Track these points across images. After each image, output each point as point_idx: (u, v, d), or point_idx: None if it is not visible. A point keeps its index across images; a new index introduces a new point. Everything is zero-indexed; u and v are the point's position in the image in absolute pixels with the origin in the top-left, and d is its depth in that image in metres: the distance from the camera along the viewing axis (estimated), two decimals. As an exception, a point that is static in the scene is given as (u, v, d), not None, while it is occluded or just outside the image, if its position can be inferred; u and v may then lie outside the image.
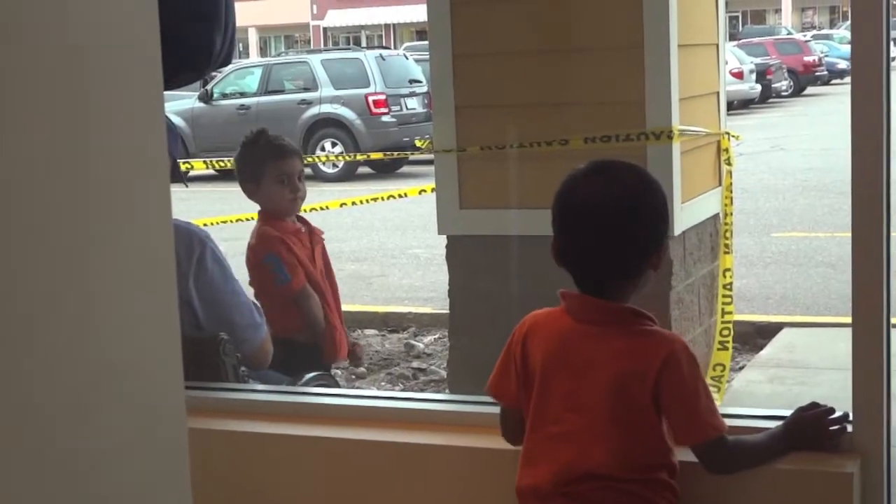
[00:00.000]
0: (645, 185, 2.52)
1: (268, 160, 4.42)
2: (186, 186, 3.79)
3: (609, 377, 2.41)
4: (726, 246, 5.61)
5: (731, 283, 5.60)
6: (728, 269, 5.59)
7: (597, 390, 2.42)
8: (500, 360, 2.60)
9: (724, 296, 5.57)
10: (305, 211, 8.37)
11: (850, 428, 2.50)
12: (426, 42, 5.62)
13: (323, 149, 17.96)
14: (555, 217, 2.53)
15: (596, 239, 2.48)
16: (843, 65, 32.29)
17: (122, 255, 1.25)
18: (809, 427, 2.51)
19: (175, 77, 2.46)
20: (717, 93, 5.74)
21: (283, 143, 4.54)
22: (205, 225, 4.40)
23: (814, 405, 2.54)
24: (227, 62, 2.61)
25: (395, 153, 13.63)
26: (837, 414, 2.52)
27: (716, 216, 5.73)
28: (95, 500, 1.23)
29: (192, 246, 3.46)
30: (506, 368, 2.58)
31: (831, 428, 2.50)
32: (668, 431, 2.44)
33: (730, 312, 5.56)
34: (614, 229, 2.47)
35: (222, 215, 8.69)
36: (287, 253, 4.42)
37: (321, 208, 7.96)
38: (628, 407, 2.41)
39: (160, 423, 1.28)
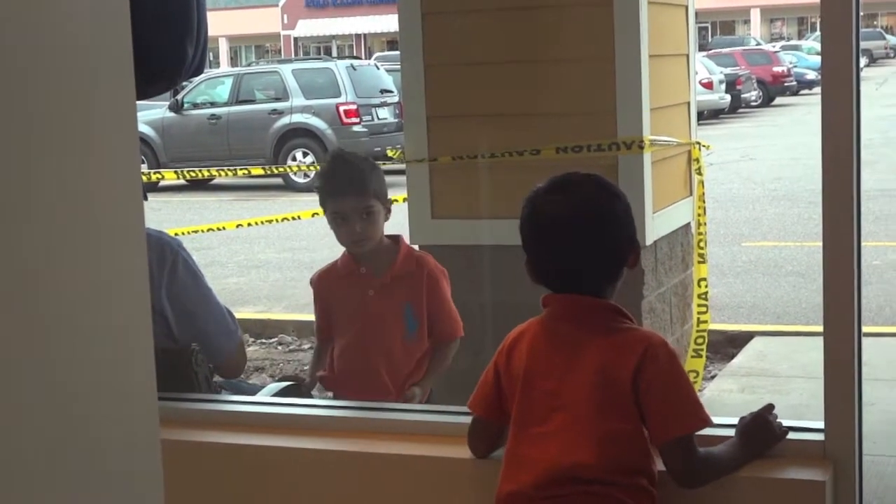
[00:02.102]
0: (607, 193, 2.55)
1: (327, 196, 3.83)
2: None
3: (590, 376, 2.43)
4: (700, 255, 5.63)
5: (706, 293, 5.62)
6: (703, 279, 5.62)
7: (579, 389, 2.43)
8: (483, 375, 2.62)
9: (699, 305, 5.60)
10: (277, 220, 8.39)
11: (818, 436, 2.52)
12: (397, 52, 5.62)
13: (294, 158, 17.94)
14: (525, 238, 2.56)
15: (571, 254, 2.51)
16: (812, 75, 32.53)
17: (95, 265, 1.24)
18: (757, 427, 2.54)
19: (147, 87, 2.45)
20: (688, 103, 5.76)
21: (337, 178, 3.86)
22: (176, 234, 4.30)
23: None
24: (199, 72, 2.60)
25: (367, 163, 13.58)
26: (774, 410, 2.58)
27: (687, 226, 5.76)
28: (68, 513, 1.22)
29: (164, 255, 3.43)
30: (487, 379, 2.60)
31: (777, 421, 2.55)
32: (648, 436, 2.46)
33: (705, 322, 5.59)
34: (587, 241, 2.51)
35: (193, 225, 8.68)
36: (323, 297, 3.98)
37: (293, 218, 7.94)
38: (610, 405, 2.42)
39: (134, 433, 1.27)
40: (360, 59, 26.66)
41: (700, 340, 5.55)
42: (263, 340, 7.93)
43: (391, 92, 18.58)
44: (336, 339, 3.93)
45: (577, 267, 2.51)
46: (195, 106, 19.16)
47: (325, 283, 3.96)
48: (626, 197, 2.58)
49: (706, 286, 5.64)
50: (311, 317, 8.37)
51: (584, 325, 2.49)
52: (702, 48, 35.74)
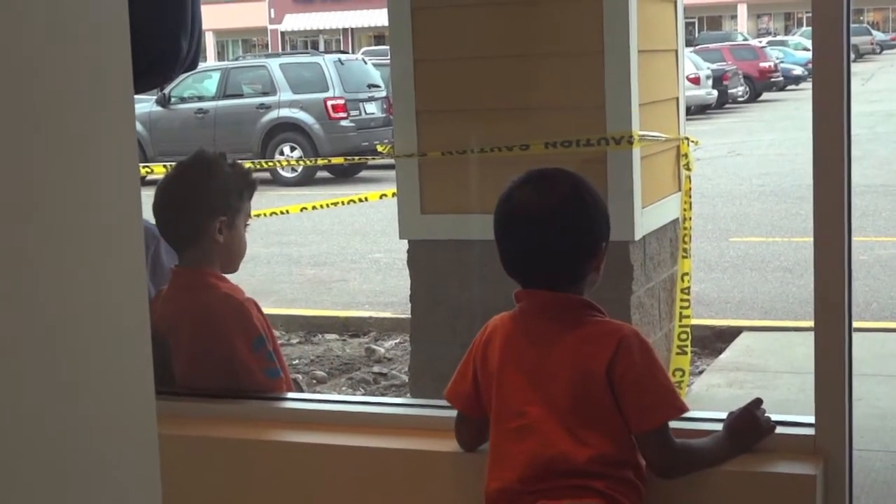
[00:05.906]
0: (578, 192, 2.55)
1: (245, 193, 3.22)
2: None
3: (564, 370, 2.44)
4: (685, 250, 5.64)
5: (688, 288, 5.64)
6: (686, 274, 5.63)
7: (554, 383, 2.45)
8: (459, 366, 2.62)
9: (682, 300, 5.61)
10: (266, 215, 8.39)
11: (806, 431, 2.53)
12: (384, 46, 5.63)
13: (282, 153, 17.92)
14: (498, 232, 2.57)
15: (534, 247, 2.52)
16: (799, 71, 32.62)
17: (93, 258, 1.24)
18: (744, 422, 2.55)
19: (141, 81, 2.44)
20: (677, 98, 5.77)
21: (249, 177, 3.30)
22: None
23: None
24: (193, 66, 2.60)
25: (357, 157, 13.60)
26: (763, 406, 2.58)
27: (675, 221, 5.76)
28: (65, 507, 1.22)
29: (147, 242, 3.40)
30: (464, 374, 2.60)
31: (764, 416, 2.55)
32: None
33: (688, 316, 5.60)
34: (550, 237, 2.51)
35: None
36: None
37: (281, 212, 7.94)
38: (587, 398, 2.43)
39: (131, 429, 1.27)
40: (348, 53, 26.63)
41: (683, 336, 5.56)
42: (251, 335, 7.90)
43: (378, 86, 18.59)
44: None
45: (548, 262, 2.52)
46: (182, 100, 19.12)
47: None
48: (600, 199, 2.58)
49: (689, 281, 5.65)
50: (300, 311, 8.31)
51: (556, 319, 2.51)
52: (689, 43, 35.75)
